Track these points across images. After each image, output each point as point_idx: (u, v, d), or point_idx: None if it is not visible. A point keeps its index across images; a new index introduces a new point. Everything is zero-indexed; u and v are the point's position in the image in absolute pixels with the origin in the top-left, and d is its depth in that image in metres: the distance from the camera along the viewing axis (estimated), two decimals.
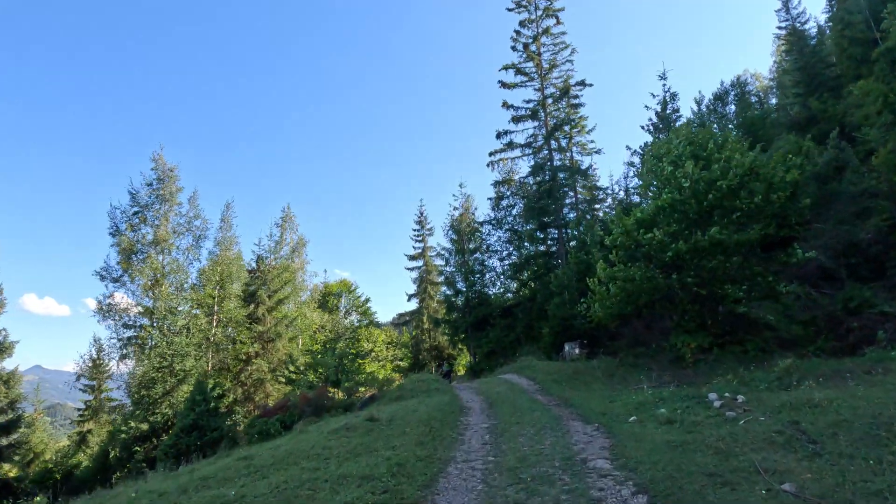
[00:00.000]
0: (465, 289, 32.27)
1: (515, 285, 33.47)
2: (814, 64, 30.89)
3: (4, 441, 26.98)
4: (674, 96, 26.60)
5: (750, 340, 17.17)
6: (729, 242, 15.83)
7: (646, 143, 28.07)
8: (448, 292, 34.04)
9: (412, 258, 56.46)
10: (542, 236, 30.17)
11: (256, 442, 14.42)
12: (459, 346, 43.32)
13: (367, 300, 56.73)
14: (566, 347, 21.51)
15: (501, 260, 32.31)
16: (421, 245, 56.74)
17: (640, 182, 23.21)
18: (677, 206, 16.83)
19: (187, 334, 26.78)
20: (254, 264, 35.66)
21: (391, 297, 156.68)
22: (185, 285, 30.36)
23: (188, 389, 24.23)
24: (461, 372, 55.06)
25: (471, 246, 33.29)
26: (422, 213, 57.41)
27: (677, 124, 26.31)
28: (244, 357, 32.18)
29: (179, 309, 28.01)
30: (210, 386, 25.66)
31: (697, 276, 16.88)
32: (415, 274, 57.66)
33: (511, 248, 31.79)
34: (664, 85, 26.78)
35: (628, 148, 27.97)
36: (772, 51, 52.67)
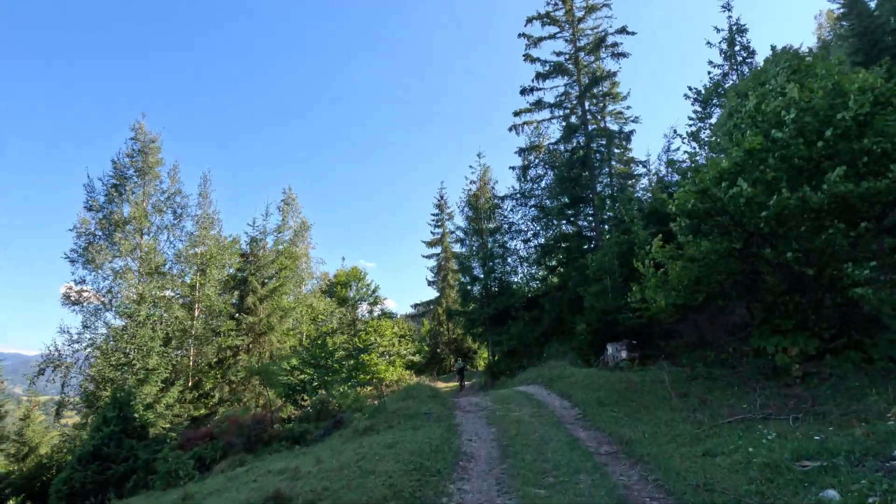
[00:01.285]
0: (482, 275, 27.54)
1: (542, 272, 28.63)
2: (874, 29, 25.02)
3: None
4: (742, 29, 21.13)
5: (872, 345, 12.14)
6: (854, 196, 10.69)
7: (700, 92, 22.70)
8: (463, 280, 29.40)
9: (430, 245, 52.13)
10: (573, 213, 25.25)
11: (160, 487, 10.26)
12: (480, 341, 38.77)
13: (377, 288, 52.64)
14: (609, 350, 16.68)
15: (526, 241, 27.48)
16: (440, 231, 52.35)
17: (715, 136, 18.08)
18: (774, 149, 11.77)
19: (155, 326, 22.89)
20: (248, 248, 31.68)
21: (412, 289, 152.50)
22: (163, 268, 26.40)
23: (149, 391, 20.31)
24: (481, 366, 50.56)
25: (490, 226, 28.51)
26: (442, 197, 52.99)
27: (744, 70, 21.01)
28: (231, 352, 28.27)
29: (151, 294, 24.07)
30: (178, 390, 21.76)
31: (803, 249, 11.88)
32: (433, 262, 53.33)
33: (538, 228, 26.95)
34: (729, 17, 21.37)
35: (689, 92, 22.30)
36: (813, 29, 46.10)
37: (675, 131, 33.53)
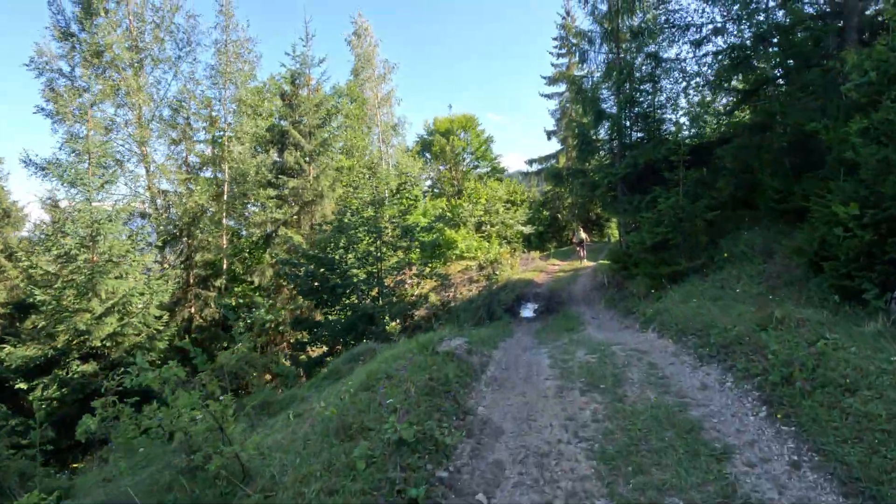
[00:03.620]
0: (615, 109, 16.70)
1: (724, 102, 16.87)
2: None
3: None
4: None
5: None
6: None
7: None
8: (584, 121, 18.69)
9: (551, 81, 39.88)
10: None
11: None
12: (610, 210, 28.62)
13: (488, 140, 43.05)
14: None
15: (697, 44, 15.35)
16: (564, 61, 39.64)
17: None
18: None
19: (121, 199, 16.81)
20: (288, 89, 23.75)
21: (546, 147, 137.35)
22: (158, 113, 19.74)
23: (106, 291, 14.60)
24: (614, 236, 40.33)
25: (633, 23, 16.74)
26: (568, 13, 39.20)
27: None
28: (273, 226, 22.12)
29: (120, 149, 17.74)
30: (162, 292, 15.88)
31: None
32: (554, 104, 41.43)
33: (722, 16, 14.64)
34: None
35: None
36: None
37: None
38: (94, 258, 15.10)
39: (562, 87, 39.64)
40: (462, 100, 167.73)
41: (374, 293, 16.45)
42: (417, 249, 18.89)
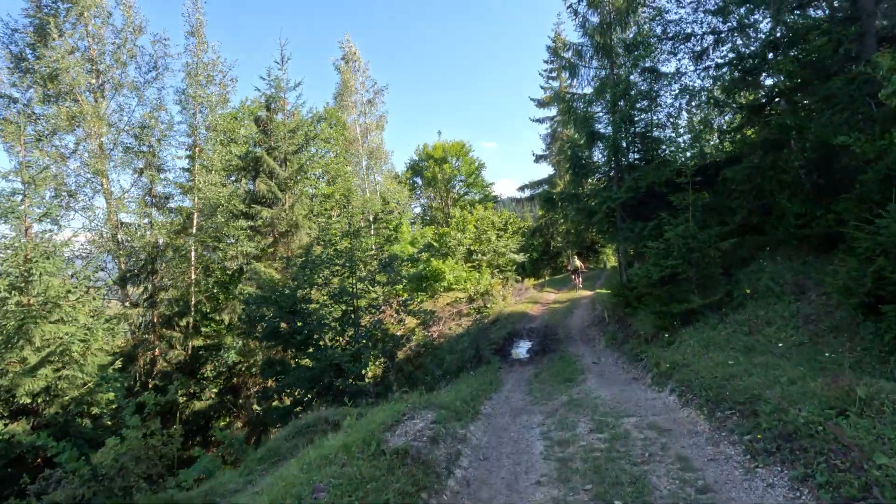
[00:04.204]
0: (609, 130, 15.30)
1: (731, 118, 15.57)
2: None
3: None
4: None
5: None
6: None
7: None
8: (579, 143, 17.28)
9: (541, 105, 38.94)
10: None
11: None
12: (608, 240, 27.17)
13: (481, 166, 41.84)
14: None
15: (698, 57, 14.01)
16: (556, 84, 38.85)
17: None
18: None
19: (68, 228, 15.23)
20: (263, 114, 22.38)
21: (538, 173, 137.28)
22: (120, 141, 18.29)
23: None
24: (611, 261, 38.80)
25: (628, 36, 15.49)
26: (558, 35, 38.44)
27: None
28: (245, 259, 20.45)
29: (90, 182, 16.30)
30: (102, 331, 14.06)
31: None
32: (545, 127, 40.50)
33: (725, 27, 13.34)
34: None
35: None
36: None
37: None
38: (29, 301, 13.39)
39: (553, 111, 38.70)
40: (453, 126, 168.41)
41: (349, 334, 14.71)
42: (403, 282, 17.30)
